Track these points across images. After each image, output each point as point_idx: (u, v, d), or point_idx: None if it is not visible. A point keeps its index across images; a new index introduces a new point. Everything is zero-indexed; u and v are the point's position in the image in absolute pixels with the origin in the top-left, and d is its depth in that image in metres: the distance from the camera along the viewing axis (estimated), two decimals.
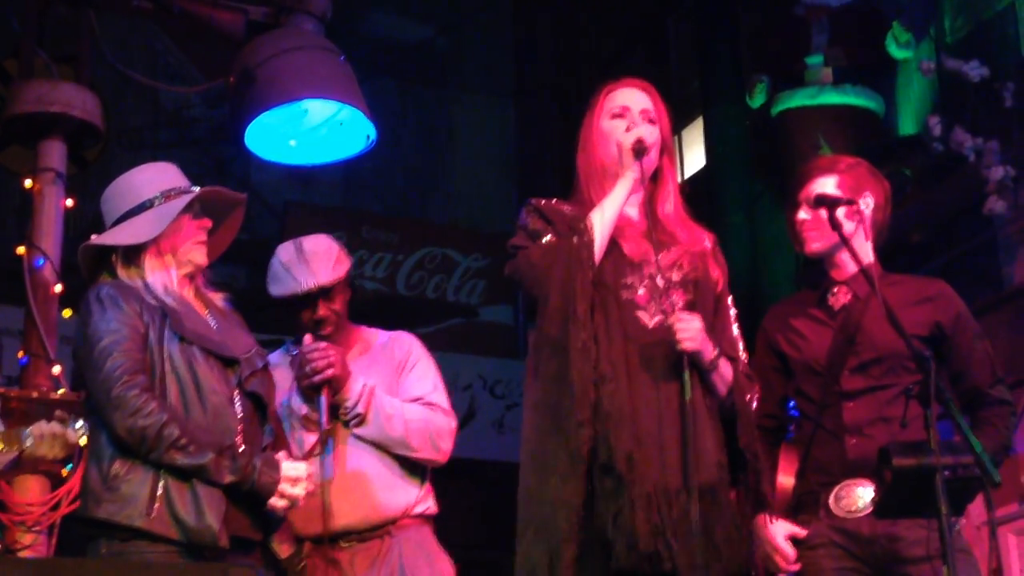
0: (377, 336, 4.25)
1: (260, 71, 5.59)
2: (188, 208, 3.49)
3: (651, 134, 3.49)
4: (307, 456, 3.84)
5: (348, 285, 4.14)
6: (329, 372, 3.92)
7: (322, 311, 4.04)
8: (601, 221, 3.37)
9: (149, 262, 3.45)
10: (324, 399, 3.93)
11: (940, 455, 3.11)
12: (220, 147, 10.79)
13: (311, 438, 3.96)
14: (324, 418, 3.92)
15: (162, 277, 3.44)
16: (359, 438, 4.01)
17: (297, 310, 4.05)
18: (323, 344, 3.97)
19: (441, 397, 4.13)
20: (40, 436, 3.21)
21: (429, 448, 4.03)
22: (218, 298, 3.62)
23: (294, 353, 4.05)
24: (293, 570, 3.82)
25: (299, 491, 3.35)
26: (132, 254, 3.46)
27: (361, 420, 3.99)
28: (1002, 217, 6.97)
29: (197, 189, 3.55)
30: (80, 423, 3.24)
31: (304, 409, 4.01)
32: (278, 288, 4.07)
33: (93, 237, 3.51)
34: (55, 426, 3.22)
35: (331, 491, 3.93)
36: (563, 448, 3.18)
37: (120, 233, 3.48)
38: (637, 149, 3.42)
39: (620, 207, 3.41)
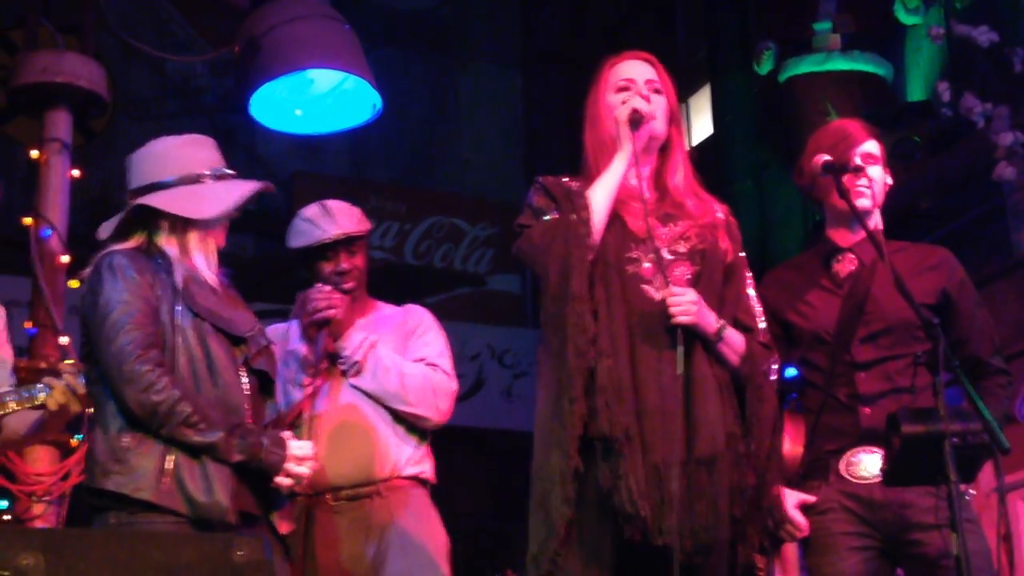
0: (390, 308, 4.24)
1: (265, 40, 5.58)
2: None
3: (656, 104, 3.46)
4: (294, 411, 3.89)
5: (367, 249, 4.14)
6: (330, 312, 3.94)
7: (345, 263, 4.03)
8: (598, 197, 3.35)
9: (195, 237, 3.41)
10: (322, 340, 3.95)
11: (949, 422, 3.10)
12: (227, 117, 10.77)
13: (307, 381, 3.97)
14: (318, 359, 3.94)
15: (202, 256, 3.40)
16: (357, 391, 3.99)
17: (318, 262, 4.03)
18: (328, 288, 3.98)
19: (445, 362, 4.11)
20: (55, 386, 3.20)
21: (426, 405, 4.00)
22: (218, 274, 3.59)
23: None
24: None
25: (305, 469, 3.35)
26: (183, 224, 3.41)
27: (358, 370, 3.98)
28: (1011, 184, 6.94)
29: (233, 173, 3.49)
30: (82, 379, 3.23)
31: (304, 350, 4.00)
32: (300, 239, 4.05)
33: (154, 199, 3.38)
34: (68, 378, 3.21)
35: (320, 445, 3.88)
36: (560, 423, 3.18)
37: (190, 203, 3.39)
38: (633, 119, 3.39)
39: (618, 181, 3.38)
